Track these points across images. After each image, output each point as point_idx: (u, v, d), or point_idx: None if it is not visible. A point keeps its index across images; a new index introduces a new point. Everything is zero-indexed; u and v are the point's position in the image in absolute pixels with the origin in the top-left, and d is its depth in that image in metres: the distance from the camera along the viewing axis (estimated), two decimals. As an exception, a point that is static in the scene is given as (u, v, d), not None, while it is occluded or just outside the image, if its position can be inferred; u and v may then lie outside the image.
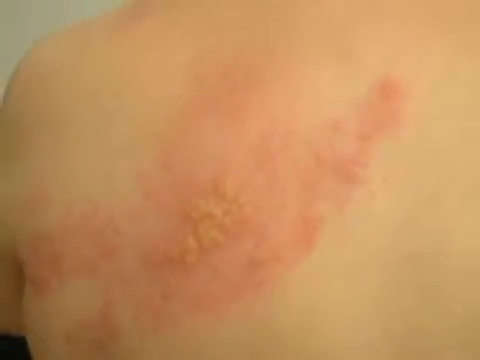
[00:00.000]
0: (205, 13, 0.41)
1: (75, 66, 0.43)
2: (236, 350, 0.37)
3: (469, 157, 0.37)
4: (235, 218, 0.38)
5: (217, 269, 0.38)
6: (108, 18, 0.44)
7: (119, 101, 0.40)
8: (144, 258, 0.39)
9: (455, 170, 0.37)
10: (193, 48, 0.40)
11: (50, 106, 0.42)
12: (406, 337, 0.37)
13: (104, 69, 0.41)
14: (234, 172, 0.38)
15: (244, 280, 0.37)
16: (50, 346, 0.42)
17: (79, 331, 0.40)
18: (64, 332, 0.41)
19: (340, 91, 0.38)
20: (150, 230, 0.38)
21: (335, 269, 0.37)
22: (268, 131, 0.38)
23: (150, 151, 0.39)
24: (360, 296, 0.37)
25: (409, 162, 0.37)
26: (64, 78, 0.42)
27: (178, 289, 0.38)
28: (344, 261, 0.37)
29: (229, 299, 0.37)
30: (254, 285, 0.37)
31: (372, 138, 0.37)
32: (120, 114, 0.40)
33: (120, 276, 0.39)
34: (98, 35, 0.43)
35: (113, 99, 0.40)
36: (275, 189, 0.37)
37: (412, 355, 0.37)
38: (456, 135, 0.37)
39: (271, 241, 0.37)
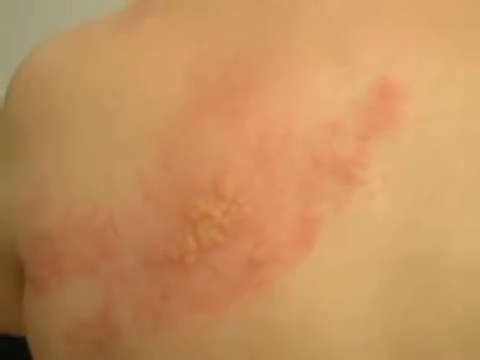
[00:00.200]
0: (205, 14, 0.41)
1: (76, 67, 0.43)
2: (235, 350, 0.37)
3: (467, 158, 0.37)
4: (234, 218, 0.38)
5: (216, 269, 0.38)
6: (109, 19, 0.44)
7: (119, 101, 0.40)
8: (144, 258, 0.39)
9: (454, 171, 0.37)
10: (193, 49, 0.40)
11: (51, 106, 0.42)
12: (405, 337, 0.37)
13: (105, 70, 0.42)
14: (233, 173, 0.38)
15: (243, 280, 0.37)
16: (50, 346, 0.42)
17: (79, 331, 0.40)
18: (64, 332, 0.41)
19: (338, 92, 0.38)
20: (150, 230, 0.38)
21: (334, 269, 0.37)
22: (267, 132, 0.38)
23: (150, 151, 0.39)
24: (359, 296, 0.37)
25: (408, 163, 0.37)
26: (65, 79, 0.42)
27: (178, 289, 0.38)
28: (343, 261, 0.37)
29: (228, 299, 0.37)
30: (253, 285, 0.37)
31: (371, 139, 0.38)
32: (120, 114, 0.40)
33: (120, 276, 0.39)
34: (99, 36, 0.43)
35: (113, 99, 0.41)
36: (274, 190, 0.37)
37: (411, 355, 0.37)
38: (454, 136, 0.37)
39: (270, 241, 0.37)
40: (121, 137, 0.40)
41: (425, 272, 0.37)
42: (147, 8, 0.44)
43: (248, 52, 0.39)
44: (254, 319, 0.37)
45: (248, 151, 0.38)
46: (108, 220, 0.39)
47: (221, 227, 0.38)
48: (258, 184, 0.38)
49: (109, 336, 0.39)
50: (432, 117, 0.38)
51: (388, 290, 0.37)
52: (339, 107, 0.38)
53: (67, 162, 0.41)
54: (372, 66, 0.38)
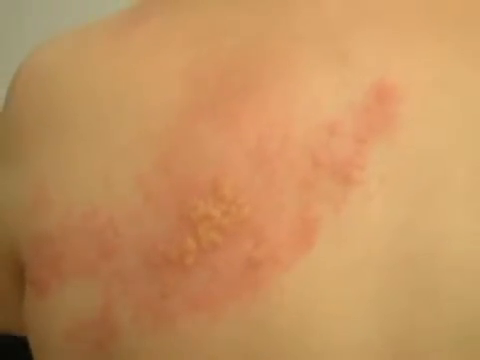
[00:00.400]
0: (203, 17, 0.41)
1: (76, 68, 0.43)
2: (234, 350, 0.38)
3: (463, 159, 0.37)
4: (234, 219, 0.38)
5: (216, 269, 0.38)
6: (108, 22, 0.44)
7: (118, 104, 0.40)
8: (144, 259, 0.39)
9: (450, 172, 0.37)
10: (192, 52, 0.40)
11: (50, 107, 0.42)
12: (403, 337, 0.37)
13: (104, 72, 0.42)
14: (232, 174, 0.38)
15: (242, 280, 0.37)
16: (51, 346, 0.42)
17: (79, 331, 0.40)
18: (64, 332, 0.41)
19: (336, 94, 0.38)
20: (150, 231, 0.39)
21: (332, 269, 0.37)
22: (265, 134, 0.38)
23: (149, 154, 0.39)
24: (357, 296, 0.37)
25: (405, 164, 0.38)
26: (65, 80, 0.43)
27: (177, 289, 0.38)
28: (341, 261, 0.37)
29: (227, 299, 0.37)
30: (252, 285, 0.37)
31: (368, 140, 0.38)
32: (119, 117, 0.40)
33: (120, 277, 0.39)
34: (98, 39, 0.43)
35: (113, 102, 0.41)
36: (273, 190, 0.38)
37: (409, 354, 0.37)
38: (450, 138, 0.38)
39: (269, 242, 0.37)
40: (120, 139, 0.40)
41: (422, 272, 0.37)
42: (146, 11, 0.44)
43: (246, 55, 0.40)
44: (252, 319, 0.37)
45: (247, 152, 0.38)
46: (108, 221, 0.39)
47: (220, 228, 0.38)
48: (257, 185, 0.38)
49: (109, 336, 0.39)
50: (429, 119, 0.38)
51: (385, 290, 0.37)
52: (337, 109, 0.38)
53: (66, 163, 0.41)
54: (370, 68, 0.39)
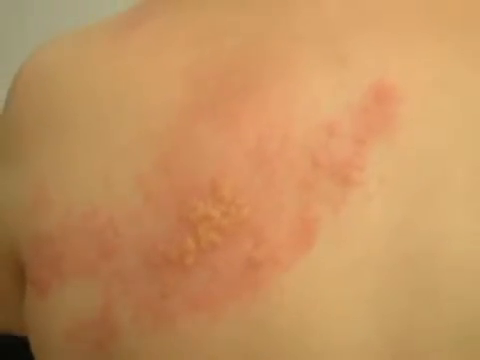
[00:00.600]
0: (204, 18, 0.41)
1: (76, 69, 0.43)
2: (234, 350, 0.38)
3: (462, 159, 0.38)
4: (233, 220, 0.38)
5: (215, 269, 0.38)
6: (108, 23, 0.44)
7: (119, 104, 0.40)
8: (144, 259, 0.39)
9: (449, 172, 0.37)
10: (192, 53, 0.40)
11: (51, 107, 0.42)
12: (402, 336, 0.37)
13: (104, 72, 0.42)
14: (232, 175, 0.38)
15: (242, 280, 0.38)
16: (51, 345, 0.42)
17: (80, 331, 0.40)
18: (65, 332, 0.41)
19: (335, 95, 0.38)
20: (149, 231, 0.39)
21: (332, 270, 0.37)
22: (265, 134, 0.38)
23: (149, 154, 0.39)
24: (356, 296, 0.37)
25: (404, 165, 0.38)
26: (65, 80, 0.43)
27: (177, 289, 0.38)
28: (341, 262, 0.37)
29: (227, 299, 0.38)
30: (251, 285, 0.37)
31: (368, 141, 0.38)
32: (120, 117, 0.40)
33: (120, 277, 0.39)
34: (99, 39, 0.43)
35: (113, 102, 0.41)
36: (272, 191, 0.38)
37: (408, 354, 0.37)
38: (449, 139, 0.38)
39: (269, 242, 0.37)
40: (120, 139, 0.40)
41: (421, 272, 0.37)
42: (147, 11, 0.44)
43: (246, 55, 0.40)
44: (252, 319, 0.37)
45: (247, 153, 0.38)
46: (108, 221, 0.40)
47: (220, 228, 0.38)
48: (257, 185, 0.38)
49: (109, 336, 0.40)
50: (427, 119, 0.38)
51: (384, 290, 0.37)
52: (336, 109, 0.38)
53: (67, 163, 0.41)
54: (369, 69, 0.39)
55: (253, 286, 0.37)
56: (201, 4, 0.42)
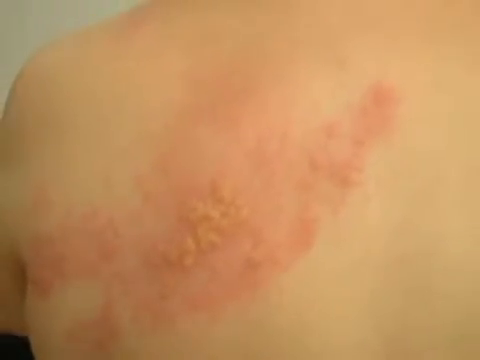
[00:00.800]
0: (203, 21, 0.41)
1: (76, 70, 0.43)
2: (233, 350, 0.38)
3: (459, 160, 0.38)
4: (232, 220, 0.38)
5: (215, 270, 0.38)
6: (109, 24, 0.45)
7: (119, 106, 0.41)
8: (144, 259, 0.39)
9: (443, 173, 0.38)
10: (192, 55, 0.40)
11: (51, 108, 0.43)
12: (397, 336, 0.38)
13: (104, 74, 0.42)
14: (231, 176, 0.38)
15: (241, 281, 0.38)
16: (52, 345, 0.42)
17: (80, 331, 0.41)
18: (66, 332, 0.41)
19: (334, 97, 0.38)
20: (149, 232, 0.39)
21: (330, 270, 0.38)
22: (264, 135, 0.38)
23: (149, 155, 0.39)
24: (354, 296, 0.38)
25: (402, 166, 0.38)
26: (65, 81, 0.43)
27: (176, 289, 0.38)
28: (339, 262, 0.38)
29: (226, 299, 0.38)
30: (250, 285, 0.38)
31: (366, 142, 0.38)
32: (119, 118, 0.40)
33: (120, 277, 0.39)
34: (99, 41, 0.43)
35: (113, 103, 0.41)
36: (271, 192, 0.38)
37: (404, 353, 0.38)
38: (445, 140, 0.38)
39: (267, 243, 0.38)
40: (120, 140, 0.40)
41: (415, 272, 0.37)
42: (147, 13, 0.44)
43: (247, 58, 0.40)
44: (251, 319, 0.38)
45: (246, 154, 0.38)
46: (108, 222, 0.40)
47: (219, 229, 0.38)
48: (256, 186, 0.38)
49: (109, 336, 0.40)
50: (425, 121, 0.38)
51: (381, 290, 0.37)
52: (335, 111, 0.38)
53: (67, 164, 0.41)
54: (367, 72, 0.39)
55: (252, 286, 0.38)
56: (202, 6, 0.42)
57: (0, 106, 0.47)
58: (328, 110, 0.38)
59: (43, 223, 0.41)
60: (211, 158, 0.38)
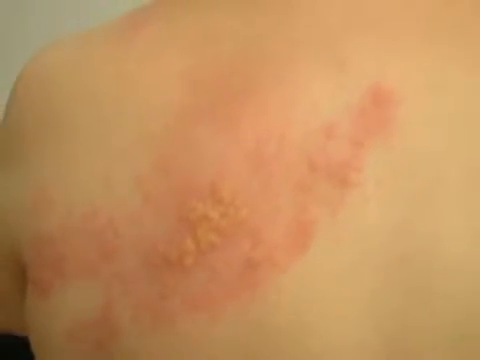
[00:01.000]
0: (203, 22, 0.42)
1: (76, 71, 0.43)
2: (232, 350, 0.38)
3: (458, 161, 0.38)
4: (232, 221, 0.38)
5: (214, 270, 0.38)
6: (110, 26, 0.45)
7: (119, 106, 0.41)
8: (144, 259, 0.39)
9: (445, 174, 0.38)
10: (192, 56, 0.41)
11: (51, 109, 0.43)
12: (397, 336, 0.38)
13: (105, 75, 0.42)
14: (231, 176, 0.38)
15: (240, 281, 0.38)
16: (52, 345, 0.42)
17: (80, 331, 0.41)
18: (66, 332, 0.41)
19: (334, 98, 0.39)
20: (149, 232, 0.39)
21: (329, 271, 0.38)
22: (263, 137, 0.38)
23: (148, 155, 0.39)
24: (353, 297, 0.38)
25: (402, 166, 0.38)
26: (65, 82, 0.43)
27: (176, 289, 0.38)
28: (338, 263, 0.38)
29: (226, 299, 0.38)
30: (250, 286, 0.38)
31: (365, 143, 0.38)
32: (120, 119, 0.40)
33: (120, 277, 0.40)
34: (100, 42, 0.44)
35: (113, 104, 0.41)
36: (270, 193, 0.38)
37: (404, 353, 0.38)
38: (446, 140, 0.38)
39: (266, 243, 0.38)
40: (120, 141, 0.40)
41: (417, 272, 0.37)
42: (148, 14, 0.44)
43: (246, 59, 0.40)
44: (251, 319, 0.38)
45: (245, 155, 0.38)
46: (108, 222, 0.40)
47: (219, 229, 0.38)
48: (255, 187, 0.38)
49: (109, 336, 0.40)
50: (425, 121, 0.38)
51: (380, 291, 0.37)
52: (334, 112, 0.38)
53: (67, 164, 0.41)
54: (367, 72, 0.39)
55: (251, 286, 0.38)
56: (202, 7, 0.42)
57: (1, 107, 0.47)
58: (327, 111, 0.38)
59: (44, 223, 0.42)
60: (211, 159, 0.38)
